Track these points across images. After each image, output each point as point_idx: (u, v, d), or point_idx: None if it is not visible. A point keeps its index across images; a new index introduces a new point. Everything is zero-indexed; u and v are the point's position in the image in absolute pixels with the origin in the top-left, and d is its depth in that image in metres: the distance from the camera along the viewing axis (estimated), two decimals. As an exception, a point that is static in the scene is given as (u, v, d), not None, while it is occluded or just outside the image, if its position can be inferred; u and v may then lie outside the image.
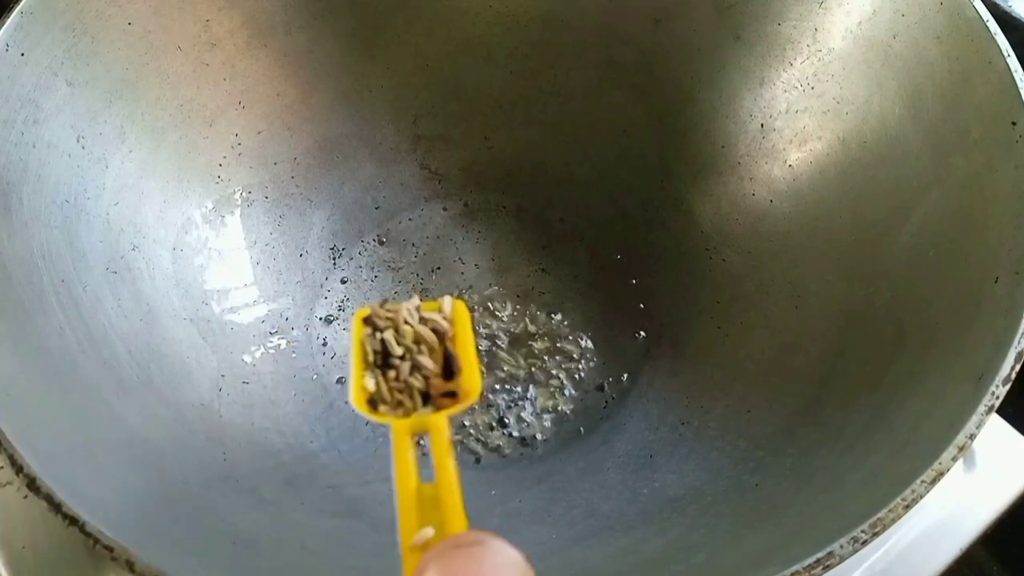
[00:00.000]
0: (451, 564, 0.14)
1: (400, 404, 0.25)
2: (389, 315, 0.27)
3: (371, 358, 0.26)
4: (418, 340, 0.26)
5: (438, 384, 0.25)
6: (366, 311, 0.27)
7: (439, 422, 0.23)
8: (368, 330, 0.26)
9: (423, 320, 0.26)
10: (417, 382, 0.25)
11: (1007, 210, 0.30)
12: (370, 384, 0.25)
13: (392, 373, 0.25)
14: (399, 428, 0.24)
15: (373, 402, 0.25)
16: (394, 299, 0.43)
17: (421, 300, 0.27)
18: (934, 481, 0.25)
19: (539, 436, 0.41)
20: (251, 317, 0.42)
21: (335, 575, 0.30)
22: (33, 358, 0.29)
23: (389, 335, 0.26)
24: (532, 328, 0.44)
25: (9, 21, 0.33)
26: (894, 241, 0.35)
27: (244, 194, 0.43)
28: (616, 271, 0.46)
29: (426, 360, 0.25)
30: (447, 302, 0.27)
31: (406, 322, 0.26)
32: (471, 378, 0.25)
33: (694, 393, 0.40)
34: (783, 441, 0.34)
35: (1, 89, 0.32)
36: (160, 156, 0.39)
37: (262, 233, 0.44)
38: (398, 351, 0.25)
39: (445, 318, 0.26)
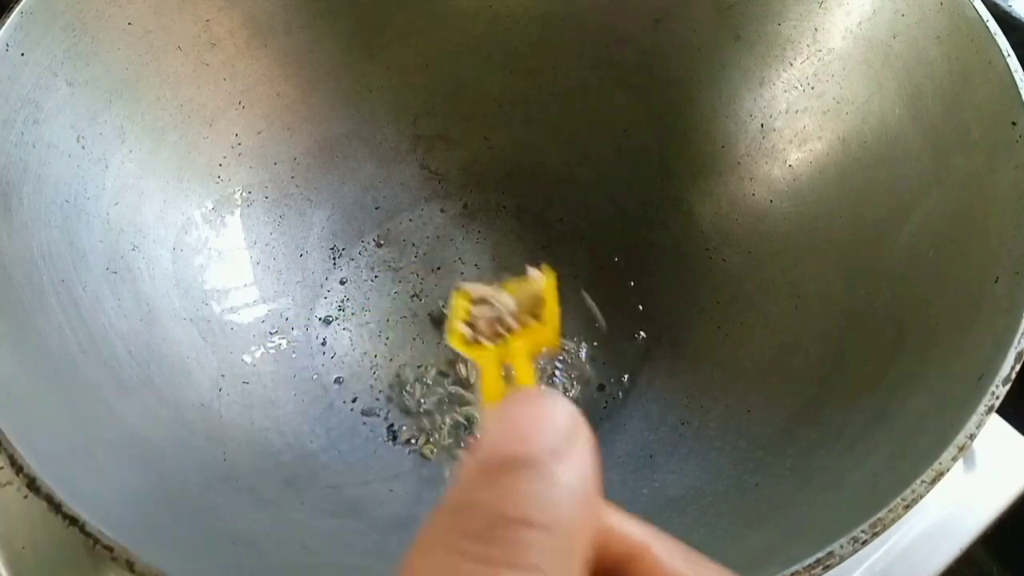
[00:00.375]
0: (513, 402, 0.16)
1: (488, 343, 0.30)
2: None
3: (465, 316, 0.31)
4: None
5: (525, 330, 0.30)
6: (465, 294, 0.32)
7: (519, 350, 0.28)
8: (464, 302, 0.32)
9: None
10: (505, 327, 0.30)
11: (1007, 210, 0.30)
12: (465, 330, 0.30)
13: (484, 324, 0.30)
14: (485, 357, 0.28)
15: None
16: (394, 297, 0.46)
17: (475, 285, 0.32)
18: (934, 481, 0.25)
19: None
20: (251, 317, 0.42)
21: (335, 575, 0.30)
22: (33, 358, 0.29)
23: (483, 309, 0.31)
24: (532, 328, 0.44)
25: (9, 21, 0.33)
26: (894, 241, 0.35)
27: (244, 194, 0.43)
28: (616, 271, 0.46)
29: (510, 319, 0.30)
30: (535, 274, 0.32)
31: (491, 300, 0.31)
32: (551, 319, 0.29)
33: (694, 393, 0.40)
34: (783, 441, 0.34)
35: (1, 89, 0.32)
36: (160, 156, 0.39)
37: (262, 233, 0.44)
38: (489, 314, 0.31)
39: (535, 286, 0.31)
